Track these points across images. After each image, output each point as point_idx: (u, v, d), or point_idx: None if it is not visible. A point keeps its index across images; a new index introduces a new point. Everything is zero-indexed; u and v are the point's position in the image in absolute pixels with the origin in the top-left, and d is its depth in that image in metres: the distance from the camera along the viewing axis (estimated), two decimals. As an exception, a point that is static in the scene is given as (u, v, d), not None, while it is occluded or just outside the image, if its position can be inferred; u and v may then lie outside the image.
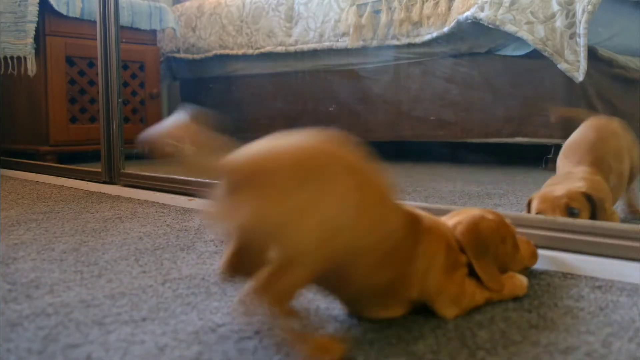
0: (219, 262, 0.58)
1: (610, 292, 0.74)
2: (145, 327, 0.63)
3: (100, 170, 1.83)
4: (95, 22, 1.81)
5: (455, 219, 0.71)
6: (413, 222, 0.63)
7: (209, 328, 0.63)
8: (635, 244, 0.82)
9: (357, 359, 0.55)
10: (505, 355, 0.56)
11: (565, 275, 0.81)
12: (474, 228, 0.69)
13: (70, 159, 2.52)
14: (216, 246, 1.00)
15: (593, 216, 1.00)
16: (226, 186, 0.53)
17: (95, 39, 1.80)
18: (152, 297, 0.73)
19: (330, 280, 0.58)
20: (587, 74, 1.90)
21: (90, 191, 1.73)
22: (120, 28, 1.80)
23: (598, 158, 1.12)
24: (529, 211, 1.05)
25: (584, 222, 0.91)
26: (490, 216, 0.72)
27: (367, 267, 0.57)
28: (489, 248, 0.69)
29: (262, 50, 2.82)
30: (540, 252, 0.81)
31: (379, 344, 0.58)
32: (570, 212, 1.00)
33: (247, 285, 0.52)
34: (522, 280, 0.73)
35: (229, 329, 0.62)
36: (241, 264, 0.56)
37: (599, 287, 0.76)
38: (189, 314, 0.67)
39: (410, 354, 0.56)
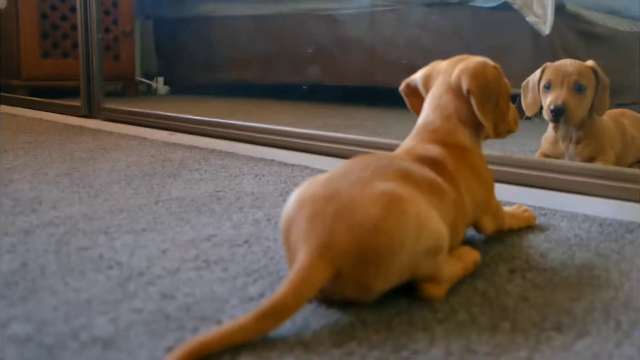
0: None
1: (553, 218, 0.85)
2: (145, 235, 0.71)
3: (79, 104, 1.86)
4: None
5: (459, 66, 0.72)
6: (443, 171, 0.64)
7: (203, 237, 0.71)
8: (577, 178, 0.92)
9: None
10: (458, 261, 0.66)
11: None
12: (482, 74, 0.70)
13: (42, 93, 2.52)
14: (200, 174, 1.08)
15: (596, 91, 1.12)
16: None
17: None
18: (147, 214, 0.81)
19: None
20: (554, 27, 1.98)
21: (70, 124, 1.77)
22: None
23: None
24: (540, 78, 1.15)
25: (534, 159, 1.02)
26: (492, 64, 0.74)
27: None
28: (492, 94, 0.70)
29: (240, -9, 2.82)
30: (498, 185, 0.91)
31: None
32: (578, 88, 1.11)
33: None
34: (532, 213, 0.82)
35: (221, 239, 0.71)
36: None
37: (544, 215, 0.87)
38: (183, 227, 0.76)
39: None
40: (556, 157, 1.20)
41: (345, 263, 0.50)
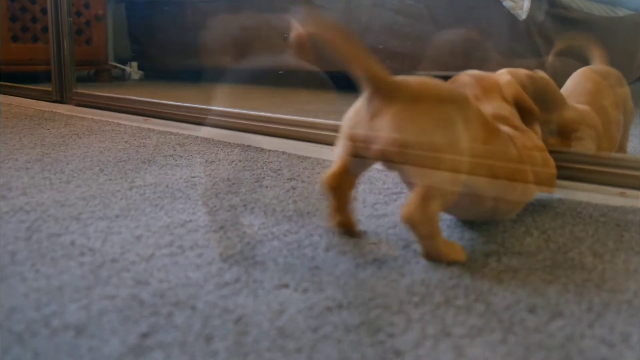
0: (325, 174, 0.64)
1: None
2: (119, 222, 0.70)
3: (50, 89, 1.82)
4: None
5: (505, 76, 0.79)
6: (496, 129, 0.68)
7: (178, 223, 0.70)
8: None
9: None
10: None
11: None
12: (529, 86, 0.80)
13: (11, 78, 2.46)
14: (176, 160, 1.07)
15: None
16: (389, 102, 0.58)
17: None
18: (121, 200, 0.80)
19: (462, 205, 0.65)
20: (530, 12, 1.99)
21: (41, 110, 1.73)
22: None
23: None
24: None
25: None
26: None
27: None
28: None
29: (214, -26, 2.78)
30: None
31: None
32: None
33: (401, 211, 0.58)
34: None
35: (196, 224, 0.70)
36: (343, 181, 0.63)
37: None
38: (158, 212, 0.75)
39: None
40: None
41: (405, 92, 0.58)
